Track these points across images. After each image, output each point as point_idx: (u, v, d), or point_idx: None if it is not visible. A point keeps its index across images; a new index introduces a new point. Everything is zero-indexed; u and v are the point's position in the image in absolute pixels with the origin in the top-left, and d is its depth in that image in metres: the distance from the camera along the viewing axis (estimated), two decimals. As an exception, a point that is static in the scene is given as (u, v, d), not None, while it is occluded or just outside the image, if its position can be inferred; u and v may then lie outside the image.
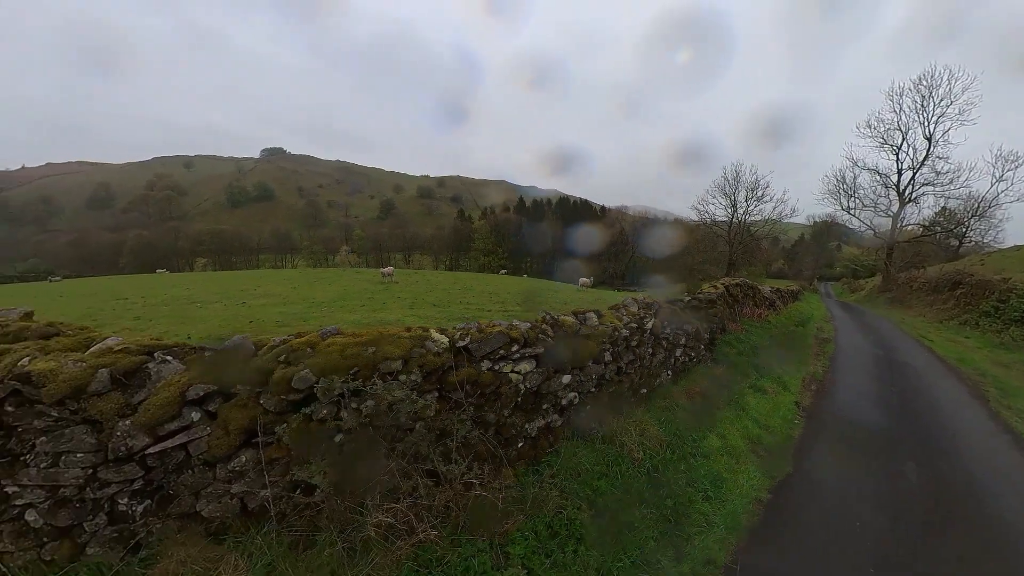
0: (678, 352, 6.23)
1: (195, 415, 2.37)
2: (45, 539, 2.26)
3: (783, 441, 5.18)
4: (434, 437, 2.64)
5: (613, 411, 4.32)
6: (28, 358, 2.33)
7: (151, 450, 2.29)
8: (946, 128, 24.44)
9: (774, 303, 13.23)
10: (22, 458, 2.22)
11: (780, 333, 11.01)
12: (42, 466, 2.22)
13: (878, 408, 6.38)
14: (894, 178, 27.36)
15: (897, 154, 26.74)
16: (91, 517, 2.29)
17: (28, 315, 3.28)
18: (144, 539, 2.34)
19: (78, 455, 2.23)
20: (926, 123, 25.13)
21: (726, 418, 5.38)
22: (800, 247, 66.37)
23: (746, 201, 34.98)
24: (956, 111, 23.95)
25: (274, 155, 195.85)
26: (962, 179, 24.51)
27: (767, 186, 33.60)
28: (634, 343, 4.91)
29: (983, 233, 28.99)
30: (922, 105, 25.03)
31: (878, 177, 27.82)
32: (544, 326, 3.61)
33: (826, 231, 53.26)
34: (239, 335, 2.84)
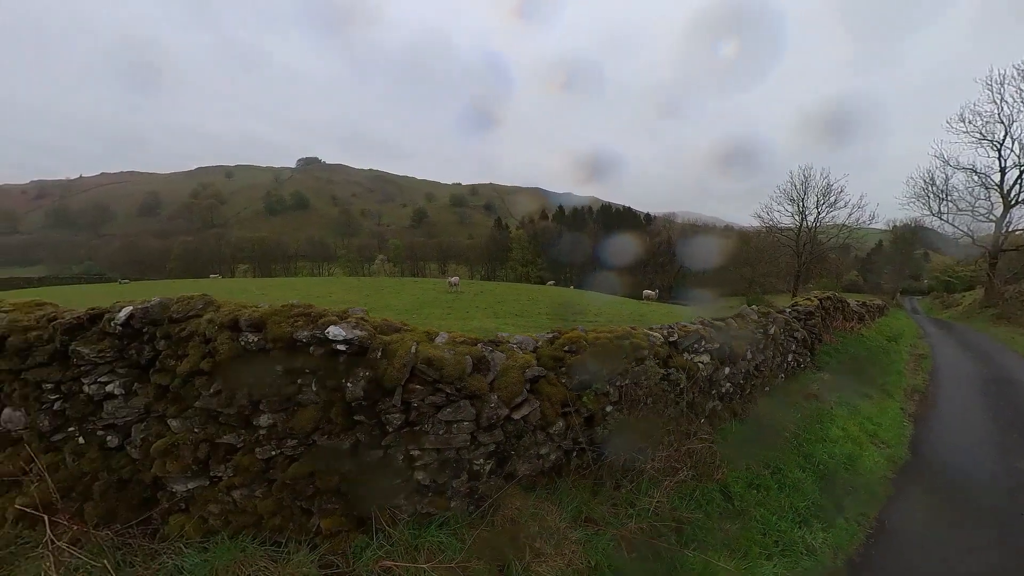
0: (789, 357, 7.35)
1: (526, 392, 3.29)
2: (430, 494, 2.97)
3: (896, 437, 6.16)
4: (662, 407, 4.05)
5: (752, 402, 5.57)
6: (414, 346, 3.01)
7: (514, 417, 3.17)
8: None
9: (863, 317, 13.75)
10: (416, 428, 2.92)
11: (874, 346, 11.63)
12: (440, 433, 2.92)
13: (988, 417, 7.13)
14: (996, 177, 26.07)
15: (999, 150, 25.55)
16: (458, 476, 3.02)
17: (366, 313, 3.51)
18: (486, 493, 3.09)
19: (464, 423, 2.97)
20: None
21: (840, 415, 6.43)
22: (878, 256, 63.06)
23: (816, 207, 34.49)
24: None
25: (309, 164, 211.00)
26: None
27: (840, 191, 33.00)
28: (762, 346, 6.13)
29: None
30: None
31: (976, 177, 26.59)
32: (708, 328, 4.96)
33: (910, 238, 50.53)
34: (505, 334, 4.40)
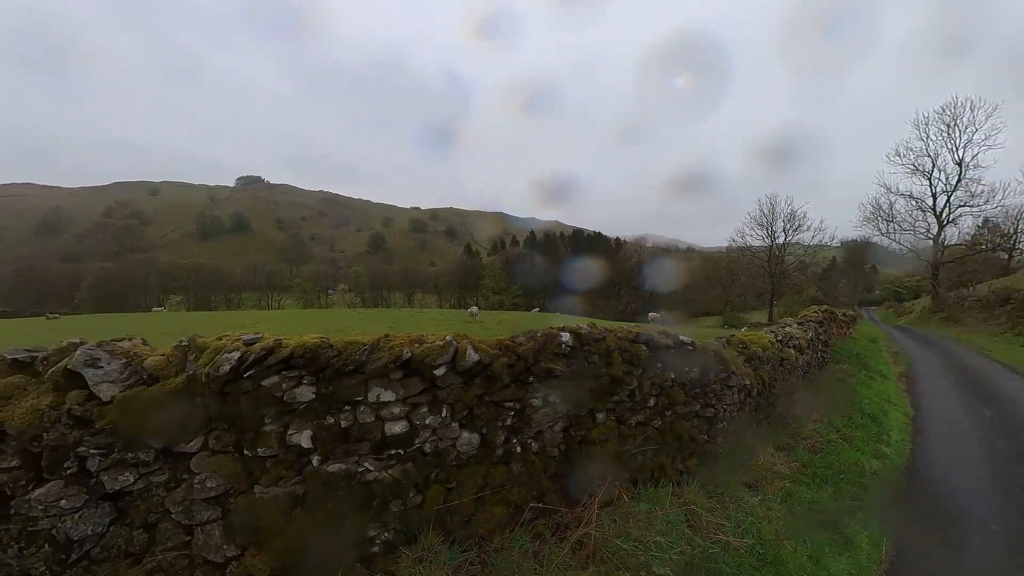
0: (819, 354, 10.42)
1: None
2: (720, 436, 5.30)
3: (901, 402, 9.19)
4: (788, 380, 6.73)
5: (812, 382, 8.44)
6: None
7: (745, 383, 6.08)
8: (975, 153, 29.51)
9: (848, 325, 17.62)
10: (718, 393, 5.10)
11: (862, 347, 15.27)
12: (731, 395, 5.29)
13: (952, 387, 10.53)
14: (929, 202, 32.44)
15: (929, 179, 31.99)
16: (726, 422, 5.79)
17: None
18: (734, 432, 5.78)
19: (736, 388, 5.25)
20: (954, 149, 30.33)
21: (863, 391, 9.47)
22: (833, 272, 72.19)
23: (784, 231, 40.56)
24: (982, 136, 29.05)
25: (251, 184, 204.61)
26: (998, 199, 29.49)
27: (804, 216, 39.36)
28: (808, 345, 9.09)
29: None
30: (948, 133, 30.34)
31: (913, 202, 33.06)
32: (798, 329, 7.81)
33: (860, 254, 59.14)
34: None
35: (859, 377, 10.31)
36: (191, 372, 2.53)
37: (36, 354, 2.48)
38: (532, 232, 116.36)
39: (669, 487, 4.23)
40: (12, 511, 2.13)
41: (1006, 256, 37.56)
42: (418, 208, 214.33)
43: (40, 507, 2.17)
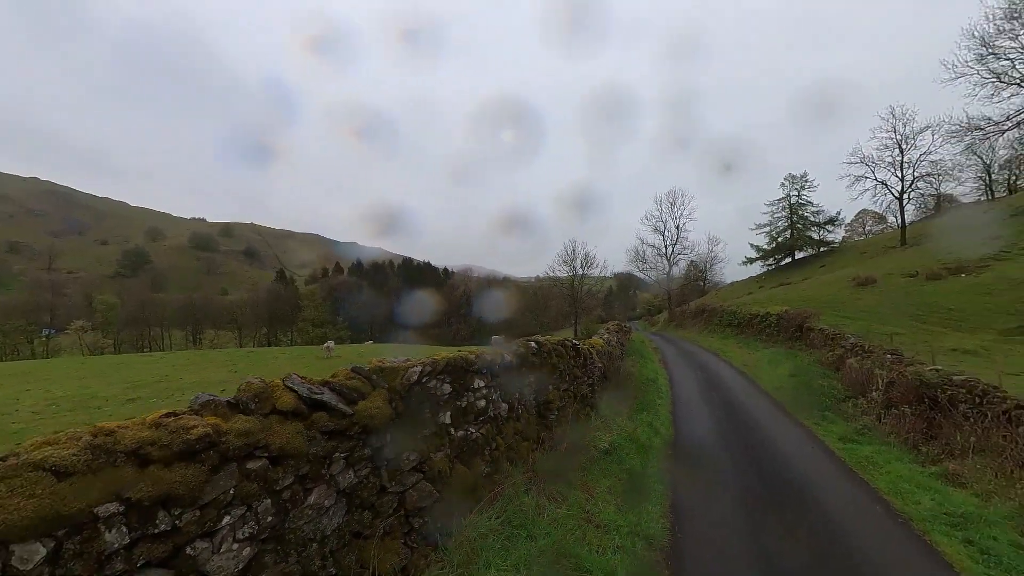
0: (620, 350, 16.25)
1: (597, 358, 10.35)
2: (592, 398, 9.71)
3: (663, 372, 15.64)
4: (613, 362, 11.42)
5: (621, 364, 13.71)
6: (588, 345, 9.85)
7: (599, 366, 10.13)
8: (684, 222, 47.79)
9: (628, 332, 25.78)
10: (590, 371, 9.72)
11: (638, 345, 23.02)
12: (593, 371, 9.78)
13: (685, 360, 18.00)
14: (664, 250, 49.07)
15: (663, 236, 48.62)
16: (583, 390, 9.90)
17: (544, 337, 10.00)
18: (594, 397, 10.05)
19: (598, 368, 9.78)
20: (675, 218, 47.85)
21: (644, 367, 15.52)
22: (611, 297, 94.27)
23: (581, 268, 52.86)
24: (688, 212, 47.65)
25: None
26: (696, 250, 49.27)
27: (594, 256, 52.34)
28: (616, 344, 14.50)
29: (713, 276, 57.10)
30: (671, 208, 47.70)
31: (656, 249, 49.33)
32: (610, 335, 12.83)
33: (627, 283, 79.94)
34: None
35: (641, 362, 16.58)
36: (386, 385, 3.40)
37: (240, 398, 2.53)
38: (359, 260, 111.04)
39: (586, 421, 7.89)
40: (287, 525, 2.50)
41: (702, 284, 58.85)
42: (203, 220, 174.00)
43: (311, 512, 2.63)
